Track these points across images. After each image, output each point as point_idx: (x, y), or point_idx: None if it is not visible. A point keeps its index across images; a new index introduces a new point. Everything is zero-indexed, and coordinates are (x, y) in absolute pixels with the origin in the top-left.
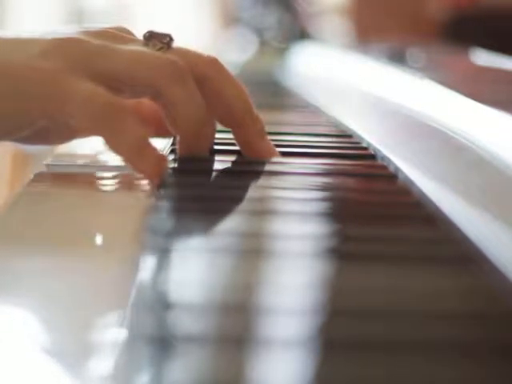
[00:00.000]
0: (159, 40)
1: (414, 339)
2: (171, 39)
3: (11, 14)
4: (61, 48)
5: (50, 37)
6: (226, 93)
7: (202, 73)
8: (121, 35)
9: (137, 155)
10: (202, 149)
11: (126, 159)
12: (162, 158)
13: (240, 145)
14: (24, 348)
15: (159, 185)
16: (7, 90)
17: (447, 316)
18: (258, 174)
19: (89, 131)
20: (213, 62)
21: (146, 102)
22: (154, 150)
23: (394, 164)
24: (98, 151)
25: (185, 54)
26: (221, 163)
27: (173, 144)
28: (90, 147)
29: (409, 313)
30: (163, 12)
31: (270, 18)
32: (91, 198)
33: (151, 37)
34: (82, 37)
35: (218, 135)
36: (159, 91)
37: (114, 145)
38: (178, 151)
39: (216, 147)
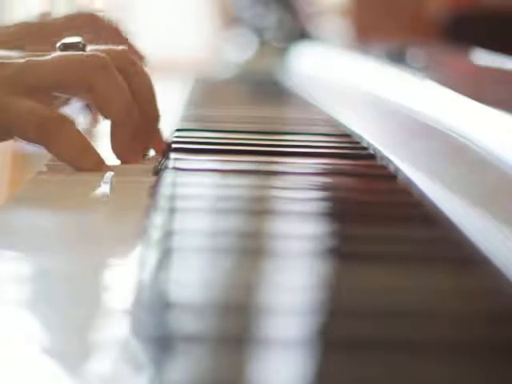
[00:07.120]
0: (73, 48)
1: (413, 339)
2: (84, 44)
3: (10, 15)
4: None
5: None
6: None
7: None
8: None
9: (78, 157)
10: (131, 134)
11: (69, 161)
12: (101, 160)
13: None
14: (24, 348)
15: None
16: None
17: (447, 316)
18: (257, 174)
19: (34, 142)
20: (123, 55)
21: None
22: (94, 152)
23: (393, 164)
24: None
25: (100, 52)
26: (221, 163)
27: (171, 144)
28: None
29: (409, 313)
30: (163, 12)
31: (270, 18)
32: (91, 197)
33: (65, 48)
34: (2, 60)
35: (219, 135)
36: (89, 85)
37: (56, 151)
38: (111, 141)
39: (216, 147)
